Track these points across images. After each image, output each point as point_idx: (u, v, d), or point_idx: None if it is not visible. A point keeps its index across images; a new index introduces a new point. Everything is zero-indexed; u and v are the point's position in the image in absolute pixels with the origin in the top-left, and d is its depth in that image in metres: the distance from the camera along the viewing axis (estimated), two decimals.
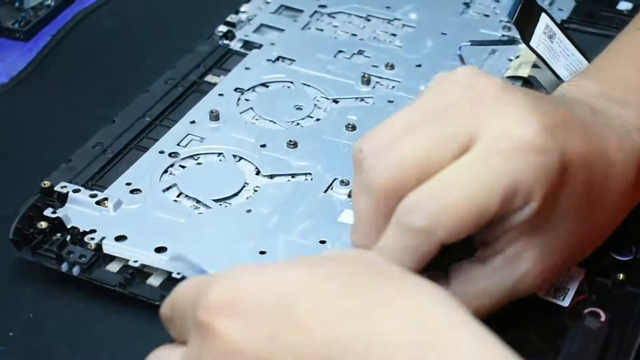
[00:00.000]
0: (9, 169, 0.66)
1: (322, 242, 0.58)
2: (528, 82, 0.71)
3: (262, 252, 0.57)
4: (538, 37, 0.68)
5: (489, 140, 0.48)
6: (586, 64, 0.69)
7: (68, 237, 0.58)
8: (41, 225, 0.58)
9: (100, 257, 0.57)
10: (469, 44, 0.74)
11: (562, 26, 0.73)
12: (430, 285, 0.43)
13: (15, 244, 0.57)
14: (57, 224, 0.58)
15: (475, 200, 0.47)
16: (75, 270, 0.56)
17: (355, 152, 0.50)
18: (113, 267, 0.57)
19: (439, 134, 0.48)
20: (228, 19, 0.78)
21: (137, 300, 0.55)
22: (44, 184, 0.60)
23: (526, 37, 0.67)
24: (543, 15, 0.69)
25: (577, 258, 0.55)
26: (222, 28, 0.77)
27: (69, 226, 0.58)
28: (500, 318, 0.52)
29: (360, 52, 0.75)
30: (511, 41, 0.75)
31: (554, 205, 0.49)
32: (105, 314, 0.55)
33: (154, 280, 0.56)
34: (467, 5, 0.81)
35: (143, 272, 0.56)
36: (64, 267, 0.56)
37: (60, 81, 0.76)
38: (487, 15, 0.80)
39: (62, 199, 0.60)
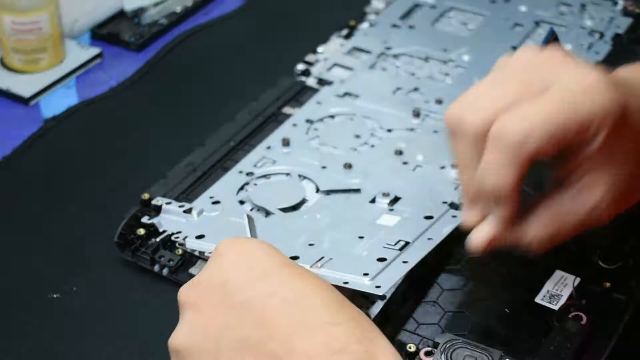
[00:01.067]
0: (113, 177, 0.79)
1: (361, 237, 0.68)
2: None
3: (311, 245, 0.68)
4: None
5: (564, 83, 0.57)
6: None
7: (160, 243, 0.69)
8: (140, 232, 0.70)
9: (185, 261, 0.69)
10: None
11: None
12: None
13: (119, 246, 0.70)
14: (152, 231, 0.70)
15: (558, 122, 0.56)
16: (165, 272, 0.69)
17: (447, 115, 0.60)
18: (194, 270, 0.69)
19: (519, 83, 0.58)
20: (307, 58, 0.89)
21: None
22: (144, 197, 0.72)
23: None
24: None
25: (635, 199, 0.63)
26: (301, 66, 0.88)
27: (161, 230, 0.70)
28: (501, 318, 0.64)
29: (415, 89, 0.85)
30: None
31: (618, 143, 0.58)
32: None
33: None
34: (514, 48, 0.89)
35: None
36: (156, 268, 0.69)
37: (163, 90, 0.89)
38: None
39: (157, 209, 0.71)
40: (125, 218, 0.71)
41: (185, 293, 0.56)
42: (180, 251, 0.70)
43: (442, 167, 0.76)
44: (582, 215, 0.60)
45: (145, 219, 0.71)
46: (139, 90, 0.90)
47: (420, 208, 0.71)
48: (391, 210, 0.72)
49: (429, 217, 0.70)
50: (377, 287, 0.63)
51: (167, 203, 0.72)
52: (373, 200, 0.73)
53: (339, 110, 0.83)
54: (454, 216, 0.70)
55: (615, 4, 0.97)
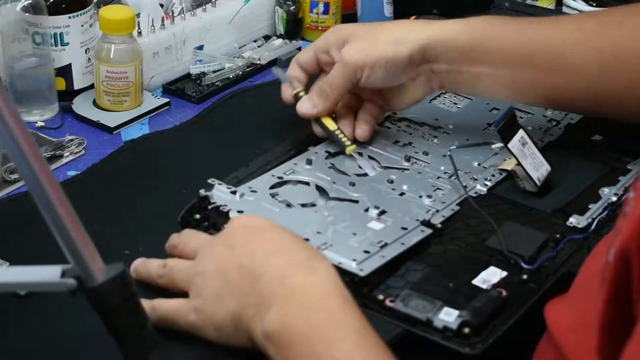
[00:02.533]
0: (174, 184, 1.05)
1: (354, 234, 0.95)
2: (511, 175, 1.05)
3: (318, 233, 0.94)
4: (514, 143, 1.03)
5: None
6: (547, 164, 1.03)
7: (212, 211, 0.96)
8: (196, 217, 0.97)
9: None
10: (455, 147, 1.07)
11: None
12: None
13: (182, 225, 0.96)
14: (205, 217, 0.96)
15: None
16: None
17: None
18: None
19: None
20: None
21: None
22: (201, 193, 0.98)
23: (505, 141, 1.02)
24: (521, 130, 1.04)
25: None
26: None
27: (212, 201, 0.96)
28: (447, 289, 0.91)
29: (409, 143, 1.12)
30: (486, 143, 1.10)
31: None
32: None
33: None
34: (489, 125, 1.15)
35: None
36: None
37: (213, 131, 1.18)
38: None
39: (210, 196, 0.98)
40: (186, 207, 0.98)
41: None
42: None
43: (420, 196, 1.02)
44: None
45: (202, 191, 0.98)
46: (195, 129, 1.18)
47: (399, 221, 0.98)
48: (379, 219, 0.98)
49: (404, 228, 0.97)
50: (361, 269, 0.91)
51: (219, 184, 1.00)
52: (367, 210, 1.00)
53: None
54: (422, 231, 0.97)
55: None
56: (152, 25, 1.25)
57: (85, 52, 1.21)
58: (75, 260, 0.70)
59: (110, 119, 1.18)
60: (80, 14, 1.19)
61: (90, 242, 0.71)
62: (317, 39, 1.13)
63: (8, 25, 1.16)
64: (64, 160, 1.11)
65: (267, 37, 1.38)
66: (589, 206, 1.02)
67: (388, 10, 1.40)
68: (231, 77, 1.29)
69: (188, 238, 0.91)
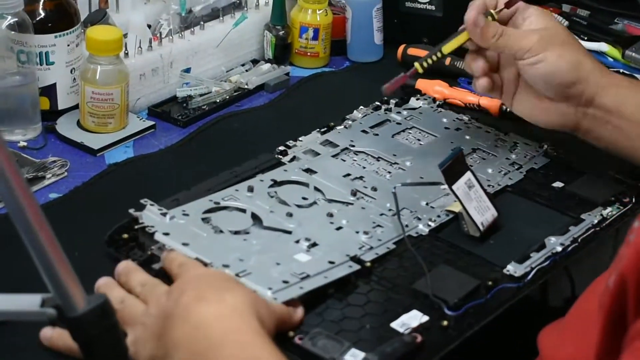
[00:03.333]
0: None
1: (278, 264, 0.93)
2: (457, 216, 1.03)
3: (241, 260, 0.92)
4: (459, 185, 1.00)
5: None
6: (493, 209, 1.02)
7: (139, 231, 0.95)
8: (124, 236, 0.96)
9: (151, 260, 0.94)
10: (400, 185, 1.04)
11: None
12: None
13: (107, 244, 0.96)
14: (134, 237, 0.96)
15: None
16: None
17: None
18: (156, 266, 0.94)
19: None
20: (288, 142, 1.13)
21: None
22: (131, 212, 0.96)
23: (450, 182, 1.00)
24: (468, 172, 1.02)
25: None
26: (282, 147, 1.12)
27: (140, 221, 0.95)
28: (361, 330, 0.88)
29: (360, 177, 1.09)
30: (434, 183, 1.06)
31: None
32: None
33: None
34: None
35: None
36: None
37: (196, 155, 1.17)
38: None
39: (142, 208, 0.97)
40: (114, 227, 0.97)
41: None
42: (149, 252, 0.95)
43: (357, 232, 1.00)
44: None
45: (131, 210, 0.97)
46: (180, 153, 1.17)
47: (328, 255, 0.96)
48: (308, 251, 0.96)
49: (331, 262, 0.95)
50: (275, 298, 0.89)
51: (151, 204, 0.98)
52: (297, 242, 0.98)
53: (298, 178, 1.07)
54: (350, 266, 0.95)
55: (542, 146, 1.18)
56: (140, 46, 1.24)
57: (71, 72, 1.19)
58: (56, 288, 0.69)
59: (94, 141, 1.16)
60: (67, 34, 1.17)
61: (71, 270, 0.70)
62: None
63: None
64: (46, 182, 1.09)
65: (255, 62, 1.36)
66: (531, 254, 1.00)
67: (378, 38, 1.39)
68: (218, 101, 1.27)
69: (131, 276, 0.90)
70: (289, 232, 0.99)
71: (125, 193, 1.07)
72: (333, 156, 1.13)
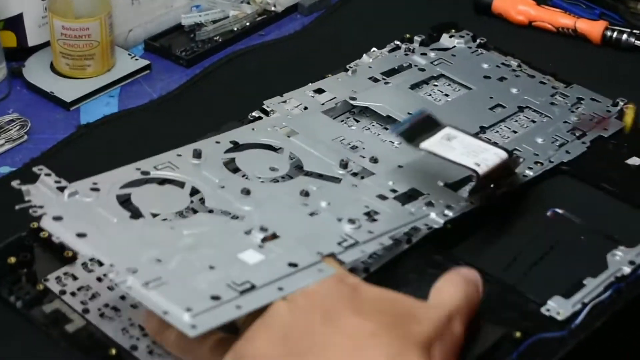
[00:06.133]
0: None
1: (212, 267, 0.62)
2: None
3: (158, 260, 0.61)
4: (431, 142, 0.72)
5: None
6: (497, 149, 0.73)
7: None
8: (10, 261, 0.69)
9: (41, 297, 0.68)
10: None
11: None
12: None
13: None
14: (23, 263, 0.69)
15: None
16: (19, 304, 0.67)
17: None
18: (47, 308, 0.67)
19: None
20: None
21: None
22: (14, 185, 0.65)
23: (415, 143, 0.72)
24: (447, 128, 0.74)
25: None
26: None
27: (26, 199, 0.64)
28: None
29: (357, 144, 0.80)
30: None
31: None
32: None
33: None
34: (482, 128, 0.83)
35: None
36: (12, 299, 0.67)
37: (199, 107, 0.89)
38: None
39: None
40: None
41: None
42: (41, 286, 0.68)
43: (339, 219, 0.70)
44: None
45: (15, 183, 0.65)
46: (177, 105, 0.90)
47: (291, 253, 0.66)
48: (260, 247, 0.66)
49: (293, 265, 0.64)
50: (193, 326, 0.58)
51: (47, 174, 0.67)
52: (249, 232, 0.67)
53: (268, 140, 0.78)
54: (321, 270, 0.64)
55: (617, 104, 0.88)
56: None
57: None
58: None
59: (67, 90, 0.90)
60: None
61: None
62: None
63: None
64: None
65: None
66: (584, 282, 0.69)
67: None
68: (235, 29, 0.99)
69: None
70: (239, 218, 0.69)
71: (96, 166, 0.80)
72: (325, 112, 0.83)
